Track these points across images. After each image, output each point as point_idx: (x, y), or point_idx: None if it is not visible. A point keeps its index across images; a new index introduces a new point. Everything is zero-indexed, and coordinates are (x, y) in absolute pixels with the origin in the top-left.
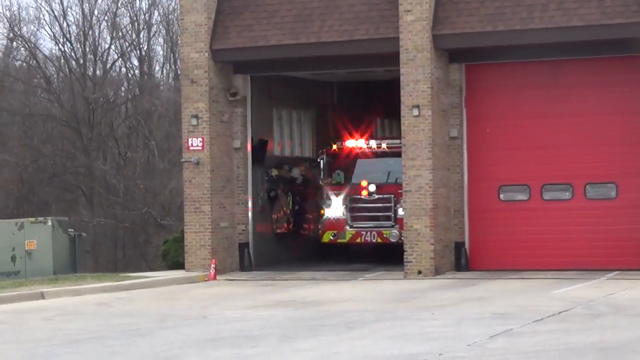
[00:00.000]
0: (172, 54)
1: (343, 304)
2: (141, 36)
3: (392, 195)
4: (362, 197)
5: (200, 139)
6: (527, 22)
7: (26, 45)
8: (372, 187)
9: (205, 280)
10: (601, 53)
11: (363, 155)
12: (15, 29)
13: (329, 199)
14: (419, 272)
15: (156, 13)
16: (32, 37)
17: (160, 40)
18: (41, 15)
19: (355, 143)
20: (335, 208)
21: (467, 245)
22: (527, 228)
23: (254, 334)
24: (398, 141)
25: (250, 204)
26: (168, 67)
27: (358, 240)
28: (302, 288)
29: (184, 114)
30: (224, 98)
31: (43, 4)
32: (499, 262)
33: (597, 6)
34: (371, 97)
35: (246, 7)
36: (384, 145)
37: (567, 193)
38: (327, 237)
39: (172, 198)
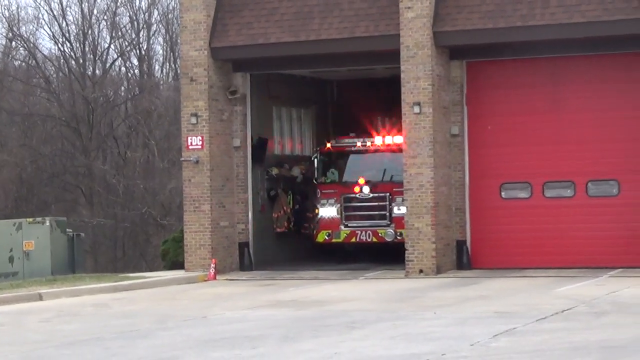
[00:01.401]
0: (171, 53)
1: (344, 303)
2: (141, 35)
3: (388, 194)
4: (357, 195)
5: (199, 137)
6: (527, 19)
7: (25, 45)
8: (366, 186)
9: (205, 280)
10: (602, 50)
11: (357, 153)
12: (14, 28)
13: (323, 198)
14: (421, 271)
15: (155, 12)
16: (31, 36)
17: (160, 39)
18: (40, 15)
19: (349, 141)
20: (329, 207)
21: (468, 244)
22: (529, 226)
23: (254, 334)
24: (395, 138)
25: (250, 203)
26: (168, 67)
27: (353, 239)
28: (303, 288)
29: (184, 113)
30: (224, 96)
31: (42, 3)
32: (501, 260)
33: (599, 2)
34: (371, 94)
35: (245, 4)
36: (378, 143)
37: (569, 190)
38: (322, 236)
39: (171, 197)
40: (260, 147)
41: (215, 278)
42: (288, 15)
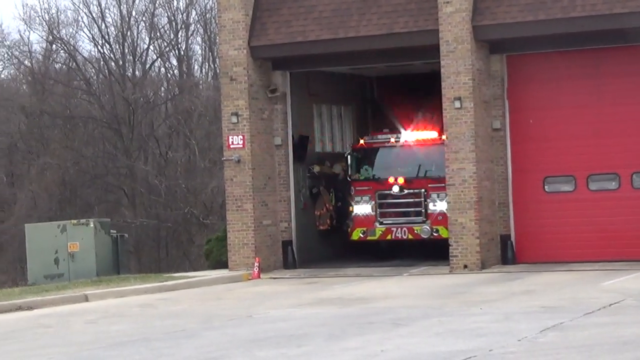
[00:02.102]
0: (210, 53)
1: (389, 300)
2: (179, 36)
3: (423, 190)
4: (391, 192)
5: (240, 136)
6: (568, 11)
7: (65, 47)
8: (401, 182)
9: (249, 279)
10: None
11: (390, 148)
12: (54, 32)
13: (357, 195)
14: (465, 267)
15: (194, 12)
16: (71, 39)
17: (199, 39)
18: (79, 18)
19: (382, 137)
20: (363, 204)
21: (513, 238)
22: (574, 219)
23: (300, 332)
24: (429, 133)
25: (292, 202)
26: (207, 66)
27: (389, 237)
28: (347, 285)
29: (224, 112)
30: (264, 95)
31: (81, 6)
32: (545, 254)
33: None
34: (411, 90)
35: (284, 2)
36: (412, 138)
37: (614, 183)
38: (357, 234)
39: (213, 197)
40: (301, 145)
41: (259, 277)
42: (326, 13)
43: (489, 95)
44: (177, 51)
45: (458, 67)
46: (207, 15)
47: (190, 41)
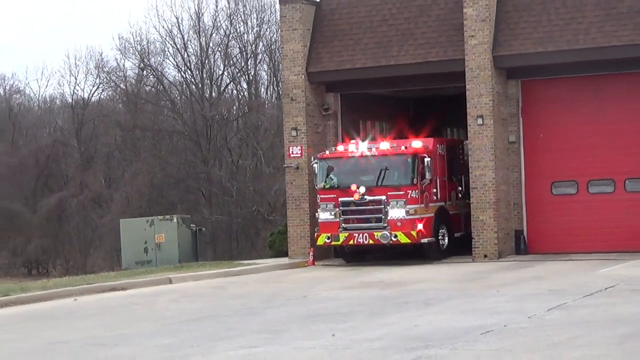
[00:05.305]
0: (274, 78)
1: (421, 284)
2: (249, 63)
3: (383, 198)
4: (353, 200)
5: (299, 147)
6: (572, 44)
7: (154, 73)
8: (363, 190)
9: (305, 266)
10: (637, 68)
11: (355, 160)
12: (145, 60)
13: (322, 202)
14: (485, 256)
15: (261, 44)
16: (158, 66)
17: (265, 66)
18: (166, 48)
19: (348, 147)
20: (328, 212)
21: (525, 233)
22: (576, 217)
23: (346, 310)
24: (389, 144)
25: None
26: (271, 89)
27: (351, 242)
28: (385, 271)
29: (285, 127)
30: (318, 113)
31: (167, 38)
32: (552, 246)
33: (633, 28)
34: (441, 110)
35: (335, 36)
36: (373, 149)
37: (610, 187)
38: (322, 239)
39: (276, 197)
40: None
41: (313, 264)
42: (371, 44)
43: (506, 113)
44: (246, 76)
45: (480, 90)
46: (272, 47)
47: (257, 68)
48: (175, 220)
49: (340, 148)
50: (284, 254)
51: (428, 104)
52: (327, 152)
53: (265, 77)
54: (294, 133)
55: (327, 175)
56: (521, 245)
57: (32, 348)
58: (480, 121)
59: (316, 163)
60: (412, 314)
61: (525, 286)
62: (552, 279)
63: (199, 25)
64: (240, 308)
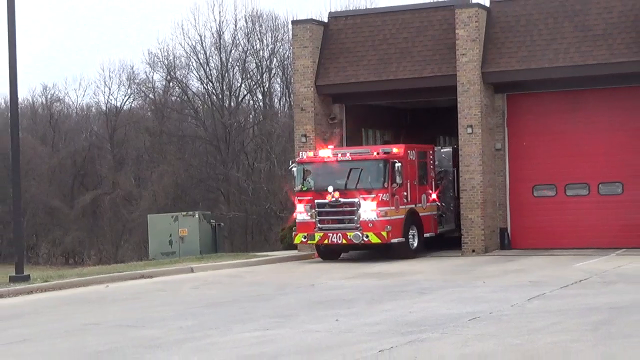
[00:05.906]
0: (287, 90)
1: (416, 275)
2: (264, 77)
3: (356, 200)
4: (328, 202)
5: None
6: (553, 62)
7: (179, 85)
8: (337, 194)
9: (313, 258)
10: (611, 84)
11: (330, 163)
12: (171, 73)
13: (299, 204)
14: (473, 251)
15: (275, 60)
16: (183, 79)
17: (278, 79)
18: (190, 63)
19: (324, 152)
20: (305, 212)
21: (509, 230)
22: (554, 217)
23: (349, 298)
24: (362, 150)
25: None
26: (284, 100)
27: (326, 241)
28: (383, 264)
29: (296, 134)
30: (326, 121)
31: (191, 53)
32: (533, 242)
33: (607, 48)
34: (435, 119)
35: (341, 53)
36: (348, 154)
37: (585, 190)
38: (299, 238)
39: (288, 197)
40: None
41: (319, 257)
42: (373, 61)
43: (493, 123)
44: (262, 88)
45: (470, 103)
46: (285, 62)
47: (272, 81)
48: (197, 216)
49: (319, 153)
50: (294, 247)
51: (423, 114)
52: (305, 156)
53: (279, 89)
54: (303, 139)
55: (305, 179)
56: (505, 241)
57: (68, 328)
58: (470, 130)
59: (295, 167)
60: (407, 301)
61: (508, 278)
62: (532, 271)
63: (219, 42)
64: (254, 295)
